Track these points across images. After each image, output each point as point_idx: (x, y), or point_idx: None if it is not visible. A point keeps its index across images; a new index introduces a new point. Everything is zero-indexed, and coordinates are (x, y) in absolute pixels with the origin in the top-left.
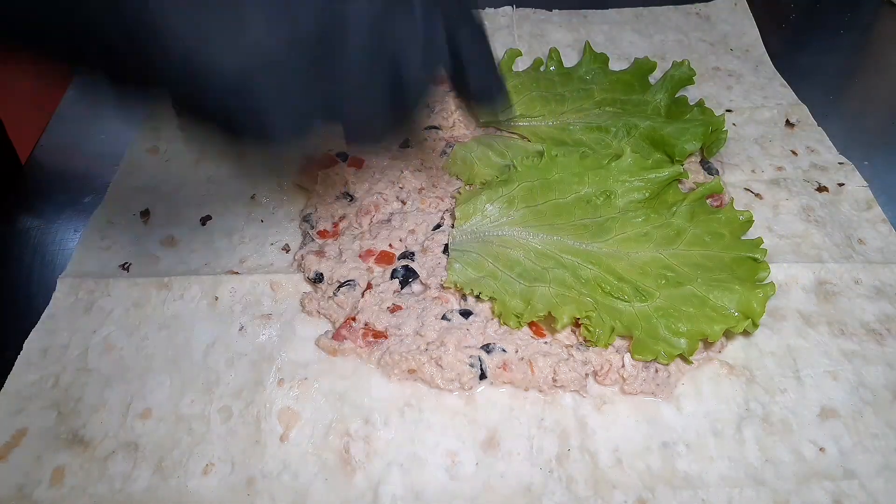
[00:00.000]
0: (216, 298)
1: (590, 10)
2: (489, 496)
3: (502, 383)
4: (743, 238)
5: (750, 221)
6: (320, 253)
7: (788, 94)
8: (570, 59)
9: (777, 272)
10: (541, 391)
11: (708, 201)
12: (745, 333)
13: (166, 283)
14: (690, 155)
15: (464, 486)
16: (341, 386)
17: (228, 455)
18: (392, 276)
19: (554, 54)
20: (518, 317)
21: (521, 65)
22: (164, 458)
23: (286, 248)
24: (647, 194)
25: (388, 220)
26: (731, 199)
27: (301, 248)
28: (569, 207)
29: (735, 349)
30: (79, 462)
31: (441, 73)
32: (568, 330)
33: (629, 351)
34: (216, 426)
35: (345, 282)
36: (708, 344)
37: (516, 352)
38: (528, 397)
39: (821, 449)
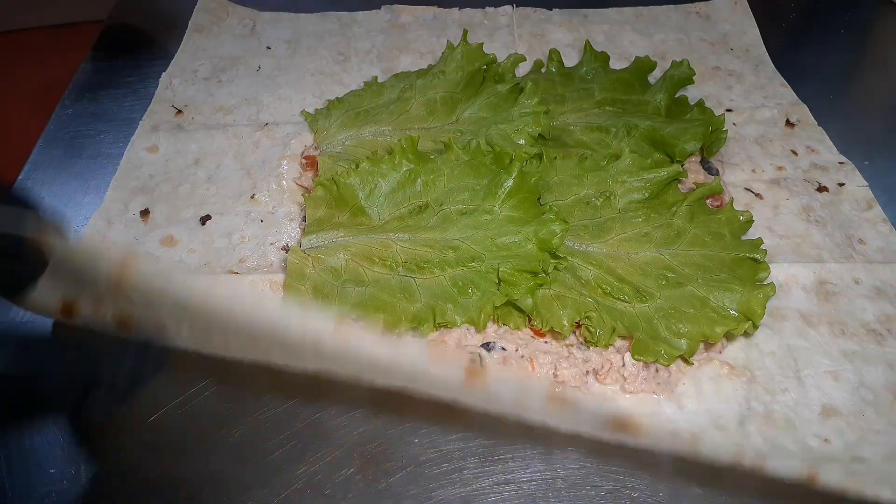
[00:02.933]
0: None
1: (590, 10)
2: None
3: None
4: (743, 238)
5: (750, 222)
6: None
7: (788, 93)
8: (570, 59)
9: (777, 272)
10: None
11: (708, 201)
12: (746, 334)
13: None
14: (690, 155)
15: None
16: None
17: None
18: None
19: (554, 55)
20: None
21: (524, 69)
22: None
23: (286, 248)
24: (646, 194)
25: None
26: (731, 200)
27: None
28: (569, 209)
29: (736, 349)
30: None
31: None
32: None
33: (629, 350)
34: None
35: None
36: (708, 345)
37: (517, 350)
38: None
39: (825, 440)
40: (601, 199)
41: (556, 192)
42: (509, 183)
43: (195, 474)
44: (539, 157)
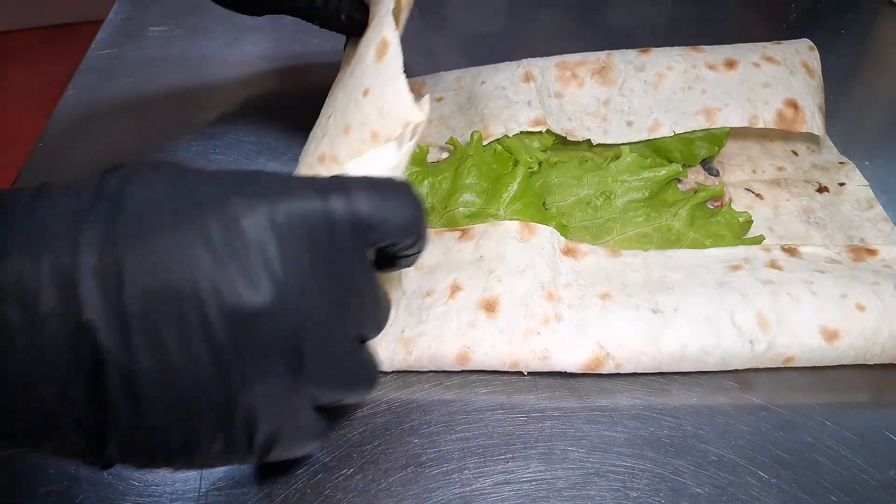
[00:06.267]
0: None
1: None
2: None
3: None
4: (745, 237)
5: (749, 222)
6: None
7: None
8: None
9: None
10: None
11: (708, 202)
12: None
13: None
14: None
15: None
16: None
17: None
18: None
19: None
20: None
21: None
22: None
23: None
24: (646, 193)
25: None
26: (730, 200)
27: None
28: (569, 210)
29: None
30: None
31: None
32: None
33: None
34: None
35: None
36: None
37: None
38: None
39: None
40: (601, 199)
41: (557, 194)
42: (514, 187)
43: None
44: (538, 160)
